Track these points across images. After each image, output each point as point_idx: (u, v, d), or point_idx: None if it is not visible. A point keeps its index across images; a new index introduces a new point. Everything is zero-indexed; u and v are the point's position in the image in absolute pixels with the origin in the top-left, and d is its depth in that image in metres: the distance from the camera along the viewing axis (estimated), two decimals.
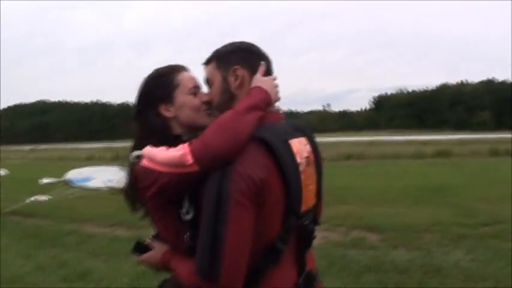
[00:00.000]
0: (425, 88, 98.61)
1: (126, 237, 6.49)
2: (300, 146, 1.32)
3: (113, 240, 6.70)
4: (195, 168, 1.16)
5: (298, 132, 1.38)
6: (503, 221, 6.49)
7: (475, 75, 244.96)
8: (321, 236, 6.12)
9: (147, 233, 1.61)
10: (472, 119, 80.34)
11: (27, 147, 55.53)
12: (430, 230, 6.21)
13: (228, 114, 1.26)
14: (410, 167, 15.51)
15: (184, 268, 1.28)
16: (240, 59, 1.38)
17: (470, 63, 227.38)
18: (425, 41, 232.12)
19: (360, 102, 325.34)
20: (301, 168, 1.28)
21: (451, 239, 5.76)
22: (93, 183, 13.98)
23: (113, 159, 18.08)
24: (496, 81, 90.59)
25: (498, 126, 68.28)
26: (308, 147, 1.38)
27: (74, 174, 15.88)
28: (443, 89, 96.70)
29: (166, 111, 1.46)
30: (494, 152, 19.72)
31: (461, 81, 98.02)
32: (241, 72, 1.37)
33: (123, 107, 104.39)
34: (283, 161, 1.21)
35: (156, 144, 1.31)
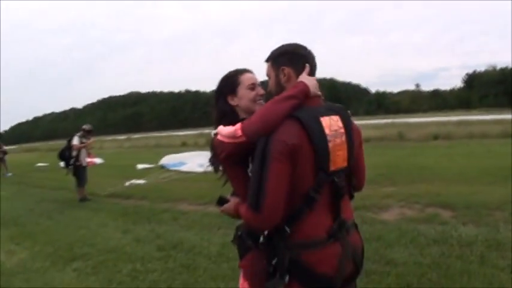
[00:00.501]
0: None
1: (217, 213, 6.88)
2: (330, 122, 1.76)
3: (204, 215, 7.19)
4: (244, 138, 1.71)
5: (332, 112, 1.82)
6: None
7: None
8: (398, 212, 6.46)
9: None
10: None
11: (122, 137, 59.55)
12: (501, 208, 6.21)
13: (268, 103, 1.79)
14: (494, 146, 14.91)
15: (244, 208, 1.76)
16: (287, 60, 1.87)
17: None
18: None
19: (451, 80, 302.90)
20: (329, 138, 1.72)
21: None
22: (186, 167, 14.90)
23: (205, 144, 19.00)
24: None
25: None
26: (339, 123, 1.80)
27: (168, 160, 17.04)
28: None
29: (232, 101, 2.04)
30: None
31: None
32: (287, 70, 1.86)
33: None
34: (311, 132, 1.68)
35: (227, 125, 1.84)
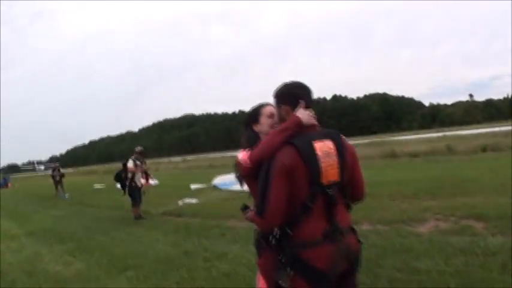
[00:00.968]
0: None
1: None
2: (322, 145, 2.25)
3: (250, 230, 7.45)
4: (250, 164, 2.35)
5: (325, 137, 2.31)
6: None
7: None
8: (433, 224, 6.64)
9: None
10: None
11: (178, 158, 61.13)
12: None
13: (269, 135, 2.36)
14: None
15: (253, 214, 2.33)
16: (285, 99, 2.41)
17: None
18: None
19: (504, 89, 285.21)
20: (320, 157, 2.20)
21: None
22: (236, 187, 15.32)
23: None
24: None
25: None
26: (331, 145, 2.27)
27: (219, 180, 17.59)
28: None
29: (256, 128, 2.68)
30: None
31: None
32: (284, 108, 2.40)
33: None
34: (304, 154, 2.18)
35: (253, 146, 2.45)
